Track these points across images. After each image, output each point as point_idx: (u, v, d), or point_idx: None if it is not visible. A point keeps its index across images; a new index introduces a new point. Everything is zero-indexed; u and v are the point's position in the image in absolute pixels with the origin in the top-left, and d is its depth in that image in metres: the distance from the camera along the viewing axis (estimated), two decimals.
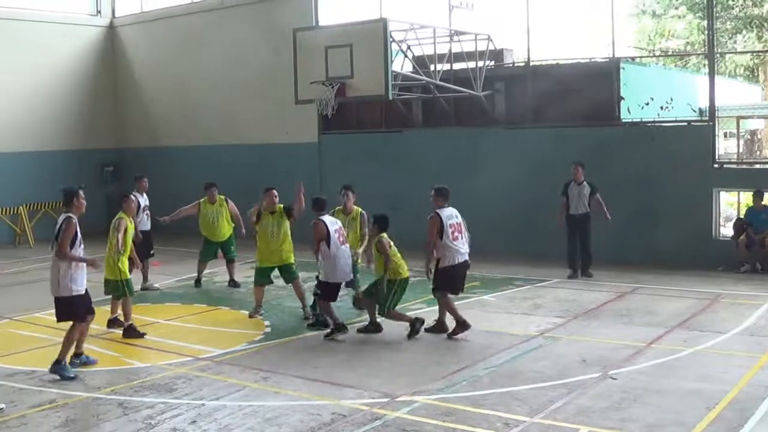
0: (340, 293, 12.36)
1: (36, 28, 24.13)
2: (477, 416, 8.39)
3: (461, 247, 11.69)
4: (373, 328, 11.99)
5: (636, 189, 17.32)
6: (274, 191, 13.45)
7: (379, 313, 11.94)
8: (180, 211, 16.49)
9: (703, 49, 23.08)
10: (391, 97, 17.55)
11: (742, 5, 31.31)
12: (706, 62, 18.08)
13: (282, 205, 13.42)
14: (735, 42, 31.38)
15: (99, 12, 26.34)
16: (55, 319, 10.48)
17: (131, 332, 12.14)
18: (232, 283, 16.16)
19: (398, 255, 11.94)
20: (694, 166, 16.96)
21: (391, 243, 11.91)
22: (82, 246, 10.28)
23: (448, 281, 11.76)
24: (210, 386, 9.65)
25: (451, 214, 11.79)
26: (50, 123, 24.58)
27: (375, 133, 21.45)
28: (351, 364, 10.52)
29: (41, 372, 10.27)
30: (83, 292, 10.22)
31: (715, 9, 18.40)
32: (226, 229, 16.28)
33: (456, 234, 11.63)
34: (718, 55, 19.30)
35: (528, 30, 19.41)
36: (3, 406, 8.90)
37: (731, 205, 21.31)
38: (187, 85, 24.68)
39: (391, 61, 17.14)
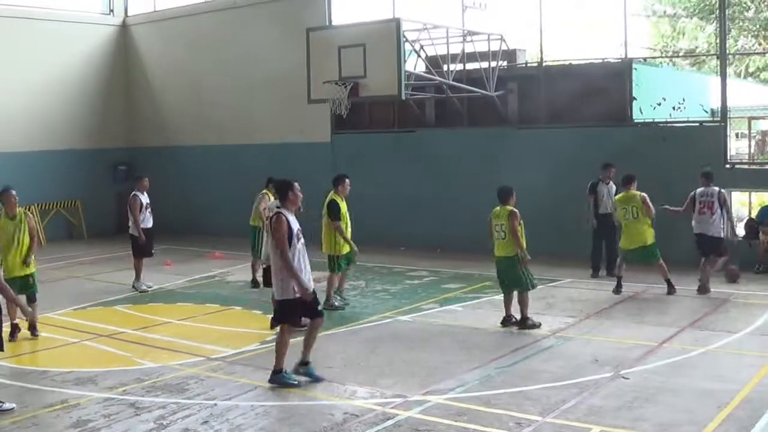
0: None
1: (48, 27, 24.20)
2: (489, 416, 8.39)
3: None
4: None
5: (647, 189, 17.22)
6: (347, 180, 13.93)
7: None
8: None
9: (715, 51, 23.00)
10: (404, 97, 17.55)
11: (756, 8, 31.19)
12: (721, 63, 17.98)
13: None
14: (757, 45, 31.33)
15: (112, 11, 26.41)
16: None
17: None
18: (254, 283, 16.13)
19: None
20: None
21: None
22: (301, 241, 9.45)
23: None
24: (222, 386, 9.67)
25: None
26: (63, 122, 24.65)
27: (388, 133, 21.45)
28: (363, 364, 10.53)
29: (53, 372, 10.32)
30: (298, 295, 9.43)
31: (727, 11, 18.31)
32: None
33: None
34: (730, 56, 19.23)
35: (541, 30, 19.37)
36: (14, 406, 8.93)
37: (743, 205, 21.26)
38: (200, 84, 24.73)
39: (404, 61, 17.16)
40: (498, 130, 19.65)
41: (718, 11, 18.28)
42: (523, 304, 12.22)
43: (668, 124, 18.09)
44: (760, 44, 31.41)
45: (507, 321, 12.30)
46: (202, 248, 21.13)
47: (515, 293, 12.32)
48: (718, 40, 18.43)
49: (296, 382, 9.53)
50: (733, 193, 17.67)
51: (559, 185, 18.11)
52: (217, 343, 11.78)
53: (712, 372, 9.73)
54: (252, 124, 23.55)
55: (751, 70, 31.50)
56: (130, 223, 15.96)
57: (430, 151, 20.29)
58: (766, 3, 30.78)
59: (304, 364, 9.76)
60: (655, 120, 18.24)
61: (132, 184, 17.06)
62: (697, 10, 32.45)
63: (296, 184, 9.65)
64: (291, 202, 9.50)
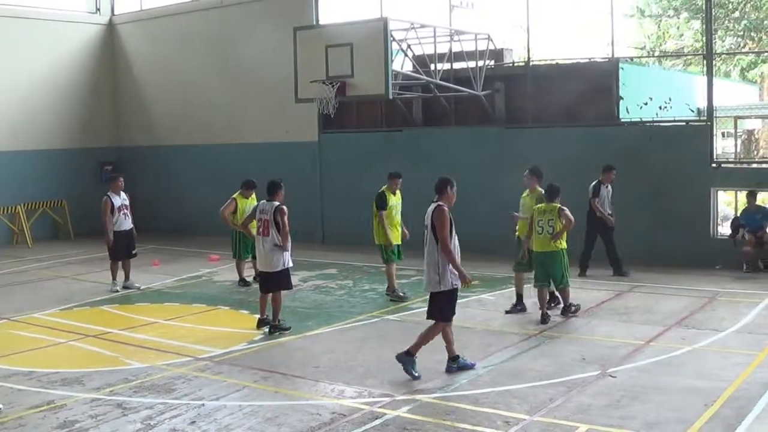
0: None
1: (34, 26, 24.07)
2: (477, 414, 8.40)
3: None
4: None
5: (634, 188, 17.32)
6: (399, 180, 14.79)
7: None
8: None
9: (701, 50, 23.09)
10: (391, 97, 17.54)
11: (741, 9, 31.38)
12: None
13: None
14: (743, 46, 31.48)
15: (98, 10, 26.28)
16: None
17: None
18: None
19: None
20: (692, 166, 16.98)
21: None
22: (455, 237, 9.82)
23: None
24: (209, 386, 9.65)
25: None
26: (49, 121, 24.53)
27: (375, 133, 21.45)
28: (350, 363, 10.52)
29: (39, 373, 10.28)
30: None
31: (713, 9, 18.37)
32: None
33: None
34: (716, 55, 19.31)
35: (528, 30, 19.41)
36: (1, 407, 8.89)
37: (728, 205, 21.35)
38: (187, 83, 24.67)
39: (392, 61, 17.14)
40: (485, 129, 19.67)
41: (704, 11, 18.35)
42: (564, 296, 12.83)
43: (655, 124, 18.16)
44: (746, 44, 31.56)
45: (544, 318, 12.49)
46: (189, 248, 21.09)
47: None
48: (704, 40, 18.50)
49: (473, 364, 9.95)
50: (719, 192, 17.77)
51: (546, 184, 18.11)
52: (204, 343, 11.75)
53: (699, 370, 9.77)
54: (239, 123, 23.50)
55: (738, 69, 31.65)
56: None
57: (417, 150, 20.28)
58: (751, 4, 30.96)
59: (454, 359, 10.02)
60: (642, 119, 18.30)
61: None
62: (683, 10, 32.59)
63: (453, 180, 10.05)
64: (449, 198, 9.87)
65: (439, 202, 9.78)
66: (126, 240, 16.04)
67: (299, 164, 21.93)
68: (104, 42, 26.26)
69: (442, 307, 9.76)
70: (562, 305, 12.90)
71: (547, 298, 12.73)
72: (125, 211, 16.02)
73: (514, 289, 13.45)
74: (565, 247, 12.69)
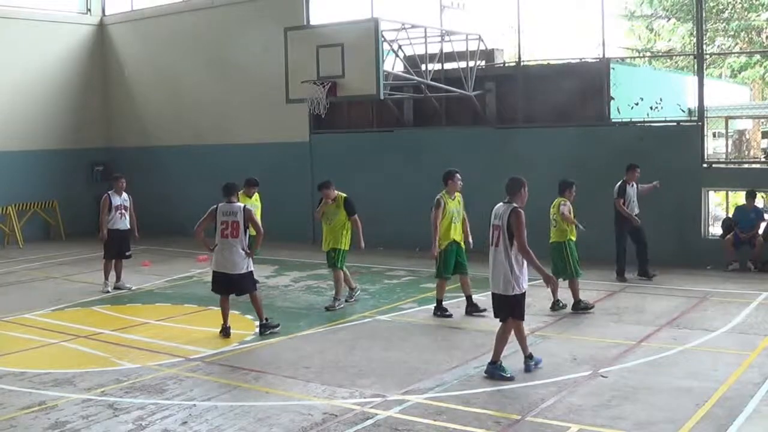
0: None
1: (25, 27, 24.00)
2: (468, 415, 8.41)
3: None
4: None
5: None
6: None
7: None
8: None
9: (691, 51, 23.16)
10: (382, 97, 17.56)
11: (731, 10, 31.46)
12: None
13: (344, 195, 13.96)
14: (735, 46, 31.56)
15: (89, 10, 26.22)
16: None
17: None
18: None
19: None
20: (683, 166, 17.02)
21: None
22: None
23: None
24: (201, 387, 9.65)
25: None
26: (40, 122, 24.46)
27: (366, 133, 21.46)
28: (342, 364, 10.52)
29: (30, 373, 10.25)
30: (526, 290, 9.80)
31: (704, 10, 18.41)
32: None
33: None
34: (707, 56, 19.36)
35: (519, 30, 19.43)
36: None
37: (719, 205, 21.40)
38: (178, 84, 24.64)
39: (383, 61, 17.15)
40: (476, 129, 19.70)
41: (695, 12, 18.39)
42: (573, 289, 13.17)
43: (646, 124, 18.19)
44: (737, 44, 31.64)
45: (555, 305, 13.15)
46: (180, 248, 21.05)
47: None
48: (695, 41, 18.55)
49: (510, 375, 9.66)
50: (710, 192, 17.82)
51: (537, 184, 18.11)
52: (195, 343, 11.74)
53: (690, 370, 9.79)
54: (230, 123, 23.48)
55: (729, 71, 31.73)
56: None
57: (408, 150, 20.30)
58: (741, 5, 31.04)
59: (530, 357, 10.00)
60: (633, 119, 18.33)
61: (109, 183, 17.03)
62: (675, 11, 32.66)
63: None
64: (522, 198, 9.84)
65: (514, 204, 9.69)
66: (120, 240, 16.04)
67: (290, 165, 21.92)
68: (95, 42, 26.21)
69: (514, 308, 9.71)
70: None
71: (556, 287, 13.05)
72: (122, 211, 16.03)
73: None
74: (572, 239, 13.07)
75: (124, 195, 16.15)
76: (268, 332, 12.09)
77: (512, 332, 9.86)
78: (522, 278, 9.61)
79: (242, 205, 12.19)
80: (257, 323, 12.31)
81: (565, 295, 13.24)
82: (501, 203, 9.87)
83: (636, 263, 15.82)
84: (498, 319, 9.87)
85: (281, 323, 12.44)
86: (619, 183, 15.80)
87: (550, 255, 13.20)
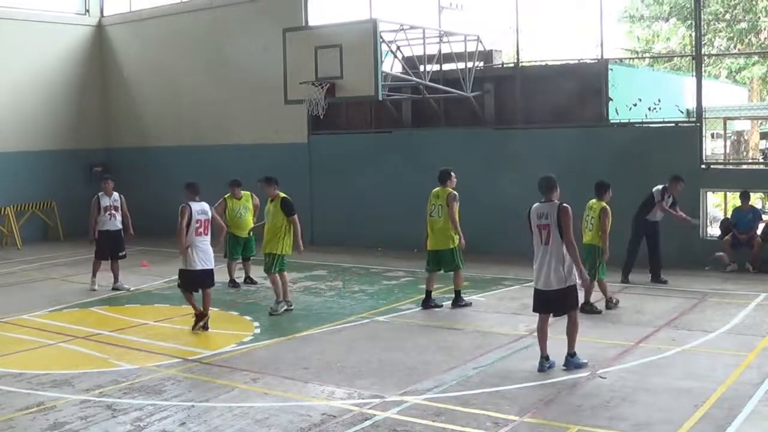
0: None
1: (23, 28, 23.98)
2: (467, 416, 8.40)
3: None
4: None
5: (624, 190, 17.34)
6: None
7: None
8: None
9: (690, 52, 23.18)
10: (380, 98, 17.56)
11: (731, 12, 31.49)
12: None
13: (283, 195, 13.71)
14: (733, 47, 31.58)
15: (87, 11, 26.20)
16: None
17: None
18: (249, 280, 16.24)
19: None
20: (682, 167, 16.99)
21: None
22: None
23: None
24: (199, 388, 9.64)
25: None
26: (38, 123, 24.44)
27: (365, 134, 21.46)
28: (340, 364, 10.51)
29: (29, 374, 10.24)
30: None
31: (702, 11, 18.42)
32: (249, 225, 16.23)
33: None
34: (705, 57, 19.38)
35: (517, 31, 19.45)
36: None
37: (717, 206, 21.43)
38: (177, 84, 24.62)
39: (381, 62, 17.16)
40: (474, 130, 19.69)
41: (693, 12, 18.41)
42: (602, 289, 13.39)
43: (644, 125, 18.20)
44: (736, 47, 31.67)
45: (608, 303, 13.37)
46: (174, 249, 20.99)
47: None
48: (693, 42, 18.56)
49: (586, 362, 9.97)
50: (708, 193, 17.82)
51: (535, 185, 18.14)
52: (194, 344, 11.74)
53: (688, 371, 9.79)
54: (229, 124, 23.46)
55: (726, 72, 31.76)
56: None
57: (406, 151, 20.30)
58: (741, 7, 31.07)
59: (572, 355, 10.09)
60: (631, 120, 18.34)
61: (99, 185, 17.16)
62: (674, 12, 32.69)
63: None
64: (557, 195, 10.01)
65: (563, 202, 9.89)
66: (112, 240, 16.15)
67: (289, 165, 21.89)
68: (93, 43, 26.19)
69: (575, 297, 10.01)
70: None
71: (604, 287, 13.37)
72: (112, 212, 16.16)
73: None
74: (597, 242, 13.17)
75: (114, 195, 16.29)
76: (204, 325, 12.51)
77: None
78: (572, 270, 9.82)
79: (206, 204, 12.76)
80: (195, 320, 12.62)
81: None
82: (538, 203, 10.09)
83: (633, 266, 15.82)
84: (537, 314, 10.18)
85: (280, 324, 12.44)
86: (660, 188, 15.49)
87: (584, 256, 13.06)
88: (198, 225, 12.34)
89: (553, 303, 9.96)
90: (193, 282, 12.59)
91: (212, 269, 12.69)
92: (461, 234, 13.43)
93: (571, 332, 10.02)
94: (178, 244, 12.49)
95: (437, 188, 13.77)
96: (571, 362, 9.94)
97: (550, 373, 9.83)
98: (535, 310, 10.18)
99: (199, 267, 12.41)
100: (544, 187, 10.05)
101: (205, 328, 12.46)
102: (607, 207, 13.13)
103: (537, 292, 10.06)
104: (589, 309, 12.95)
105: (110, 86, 26.37)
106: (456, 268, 13.61)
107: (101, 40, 26.35)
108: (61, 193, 24.45)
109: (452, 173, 13.82)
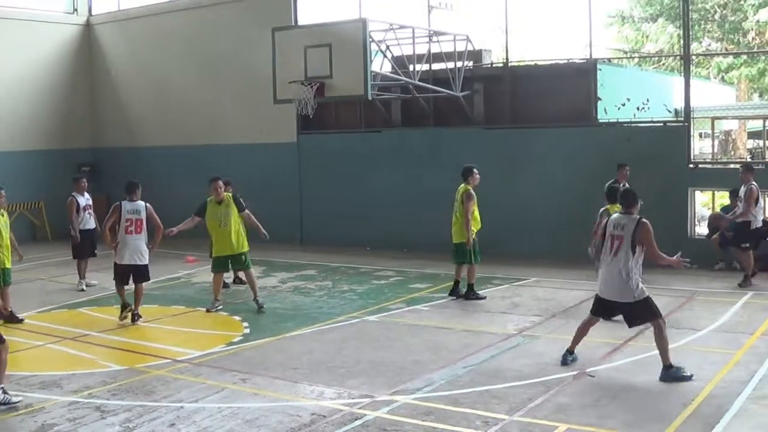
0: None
1: (10, 26, 23.88)
2: (456, 415, 8.41)
3: None
4: None
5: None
6: (220, 182, 14.03)
7: None
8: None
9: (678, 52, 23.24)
10: (370, 97, 17.56)
11: (720, 13, 31.58)
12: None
13: (230, 194, 14.09)
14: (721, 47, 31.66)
15: (75, 10, 26.12)
16: None
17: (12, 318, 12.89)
18: (238, 281, 16.16)
19: None
20: (670, 166, 17.07)
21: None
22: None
23: None
24: (189, 388, 9.61)
25: None
26: (25, 122, 24.33)
27: (354, 133, 21.45)
28: (330, 364, 10.51)
29: (17, 376, 10.17)
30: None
31: (690, 10, 18.46)
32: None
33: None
34: (693, 56, 19.43)
35: (506, 31, 19.48)
36: None
37: (705, 205, 21.49)
38: (165, 84, 24.57)
39: (371, 61, 17.15)
40: (464, 130, 19.71)
41: (681, 12, 18.46)
42: None
43: (632, 124, 18.25)
44: (726, 48, 31.75)
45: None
46: (167, 250, 20.94)
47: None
48: (681, 41, 18.61)
49: (689, 375, 9.49)
50: (696, 192, 17.87)
51: (525, 185, 18.23)
52: (183, 345, 11.71)
53: None
54: (218, 124, 23.42)
55: (715, 71, 31.84)
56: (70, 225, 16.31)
57: (396, 151, 20.31)
58: (730, 7, 31.15)
59: (667, 368, 9.76)
60: (620, 120, 18.39)
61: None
62: (663, 12, 32.76)
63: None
64: (637, 208, 9.98)
65: (636, 216, 9.88)
66: (90, 239, 16.41)
67: (278, 165, 21.91)
68: (82, 43, 26.10)
69: (650, 306, 9.77)
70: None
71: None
72: (90, 210, 16.44)
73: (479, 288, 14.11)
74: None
75: (86, 195, 16.58)
76: (140, 319, 13.07)
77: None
78: (640, 283, 9.73)
79: (144, 203, 13.24)
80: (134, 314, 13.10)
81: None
82: (618, 214, 10.11)
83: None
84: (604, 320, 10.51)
85: (270, 324, 12.43)
86: (610, 183, 15.46)
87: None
88: (128, 223, 13.04)
89: (616, 312, 10.07)
90: (121, 274, 13.21)
91: (144, 264, 13.25)
92: (468, 232, 13.77)
93: (659, 344, 9.67)
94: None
95: (461, 184, 14.21)
96: (669, 375, 9.47)
97: (539, 371, 9.84)
98: (591, 312, 10.24)
99: (126, 261, 13.09)
100: (625, 199, 10.09)
101: (133, 320, 13.01)
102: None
103: (598, 298, 10.06)
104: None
105: (98, 85, 26.28)
106: (468, 262, 14.02)
107: (89, 40, 26.26)
108: (50, 193, 24.30)
109: (474, 170, 14.24)
